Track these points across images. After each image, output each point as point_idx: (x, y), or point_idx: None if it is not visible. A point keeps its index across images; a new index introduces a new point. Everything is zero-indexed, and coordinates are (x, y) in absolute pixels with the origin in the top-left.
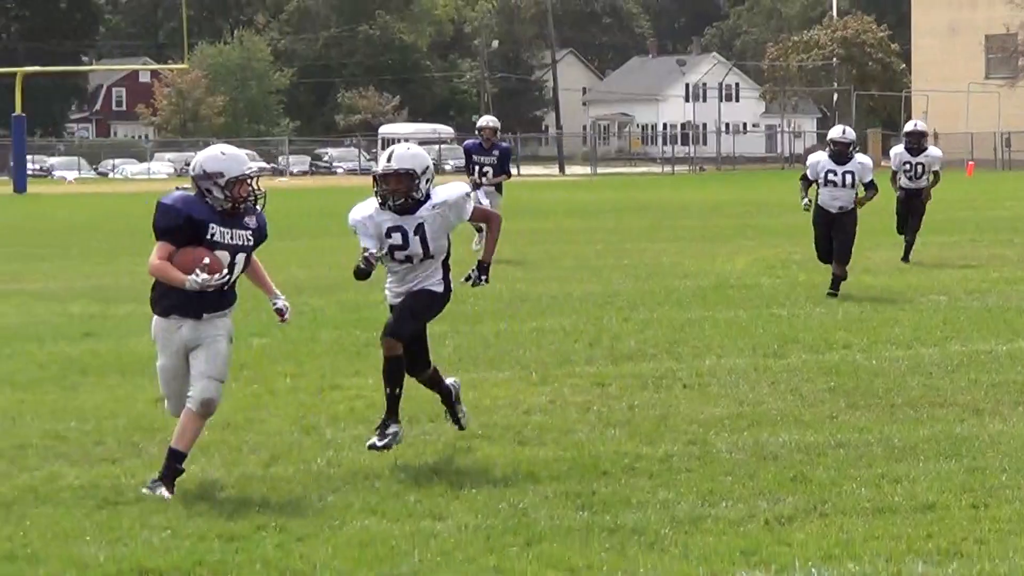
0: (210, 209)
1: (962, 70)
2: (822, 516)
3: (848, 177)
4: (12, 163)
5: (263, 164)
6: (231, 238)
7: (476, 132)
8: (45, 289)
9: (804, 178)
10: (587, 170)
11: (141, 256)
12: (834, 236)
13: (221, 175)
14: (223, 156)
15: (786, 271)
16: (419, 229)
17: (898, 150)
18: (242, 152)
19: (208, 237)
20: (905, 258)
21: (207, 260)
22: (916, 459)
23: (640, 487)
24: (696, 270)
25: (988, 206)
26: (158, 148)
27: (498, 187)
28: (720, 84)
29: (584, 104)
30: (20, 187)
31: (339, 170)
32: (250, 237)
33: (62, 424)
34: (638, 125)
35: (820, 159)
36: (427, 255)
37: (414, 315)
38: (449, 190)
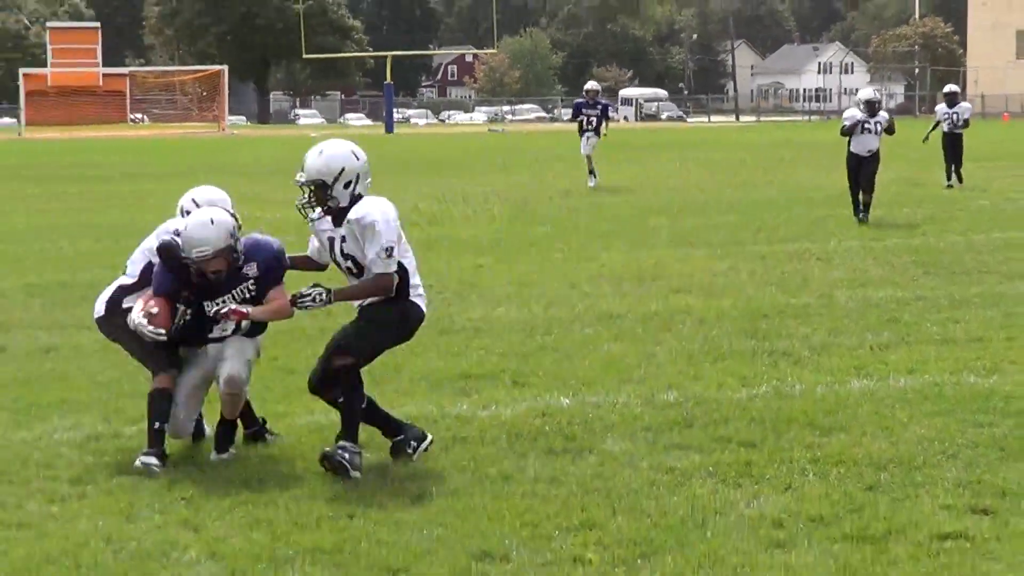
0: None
1: (1002, 53)
2: (907, 344)
3: (877, 126)
4: (385, 114)
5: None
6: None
7: (583, 92)
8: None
9: (844, 129)
10: (753, 119)
11: (466, 172)
12: (861, 174)
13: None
14: (183, 233)
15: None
16: (341, 242)
17: (940, 106)
18: (217, 224)
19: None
20: (949, 182)
21: (155, 310)
22: (970, 307)
23: (788, 324)
24: (825, 183)
25: (1020, 142)
26: (477, 104)
27: (596, 131)
28: (841, 63)
29: (752, 76)
30: (389, 129)
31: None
32: (250, 288)
33: None
34: (787, 90)
35: (855, 113)
36: (360, 272)
37: (358, 334)
38: (366, 209)
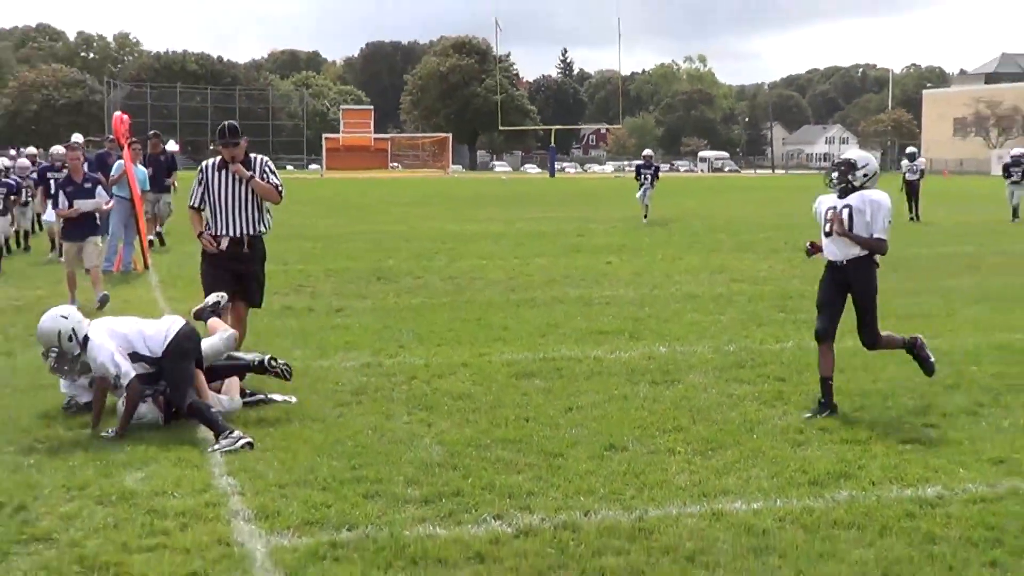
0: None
1: (944, 132)
2: (882, 318)
3: None
4: (549, 164)
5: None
6: None
7: (642, 157)
8: None
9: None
10: (783, 171)
11: (601, 202)
12: None
13: None
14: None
15: None
16: None
17: (904, 161)
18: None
19: None
20: (911, 216)
21: None
22: (921, 295)
23: (805, 303)
24: None
25: (955, 190)
26: (608, 159)
27: (652, 184)
28: (839, 137)
29: (783, 144)
30: (552, 175)
31: None
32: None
33: None
34: (805, 154)
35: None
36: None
37: None
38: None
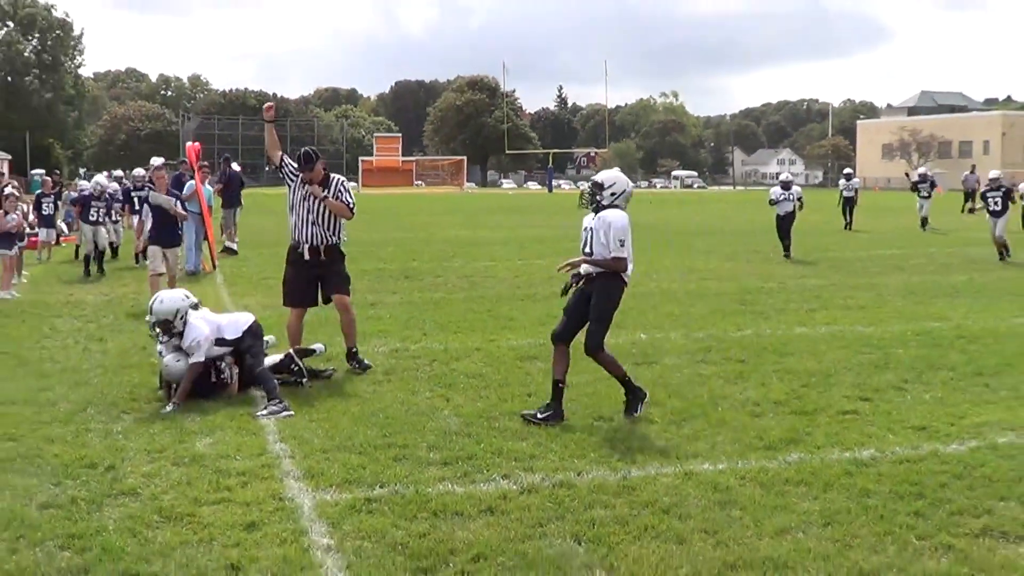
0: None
1: (874, 155)
2: (826, 309)
3: (791, 196)
4: (547, 182)
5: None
6: None
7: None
8: None
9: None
10: (743, 187)
11: None
12: (782, 228)
13: None
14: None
15: None
16: None
17: (842, 180)
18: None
19: None
20: (847, 223)
21: None
22: (859, 289)
23: (762, 298)
24: None
25: (884, 204)
26: None
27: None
28: (788, 158)
29: (742, 164)
30: (550, 190)
31: None
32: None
33: None
34: (761, 173)
35: (778, 190)
36: None
37: None
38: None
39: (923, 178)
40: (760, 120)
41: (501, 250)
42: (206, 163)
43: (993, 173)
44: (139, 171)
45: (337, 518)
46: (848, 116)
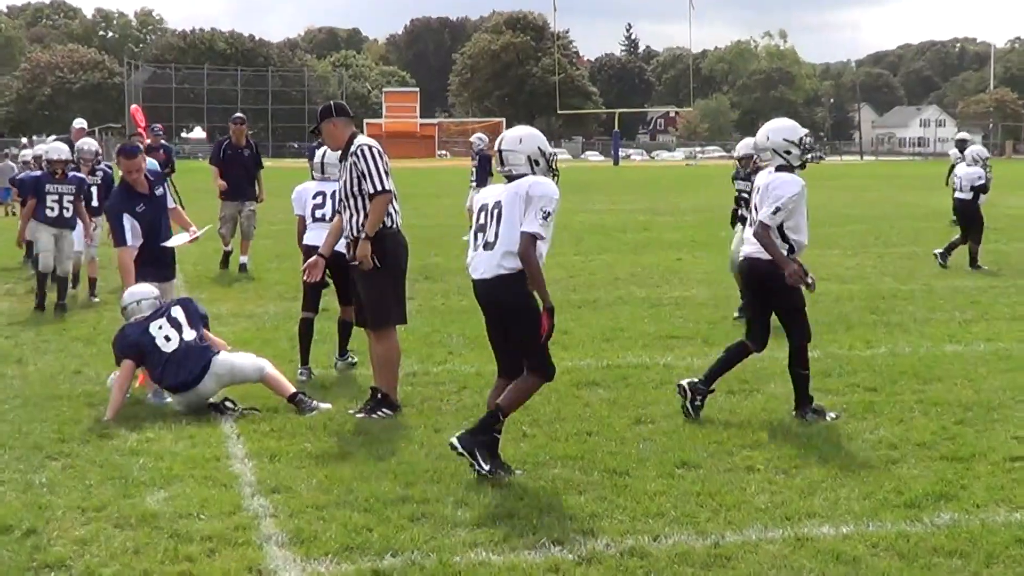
0: None
1: None
2: (986, 320)
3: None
4: (613, 151)
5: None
6: None
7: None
8: None
9: None
10: (873, 158)
11: (669, 193)
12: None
13: None
14: None
15: None
16: None
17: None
18: None
19: None
20: None
21: None
22: None
23: (899, 304)
24: (925, 204)
25: None
26: (677, 146)
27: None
28: (936, 119)
29: (872, 128)
30: (616, 163)
31: None
32: None
33: None
34: (897, 138)
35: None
36: None
37: None
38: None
39: None
40: (896, 68)
41: (551, 241)
42: (159, 126)
43: None
44: (37, 149)
45: None
46: (1017, 61)
